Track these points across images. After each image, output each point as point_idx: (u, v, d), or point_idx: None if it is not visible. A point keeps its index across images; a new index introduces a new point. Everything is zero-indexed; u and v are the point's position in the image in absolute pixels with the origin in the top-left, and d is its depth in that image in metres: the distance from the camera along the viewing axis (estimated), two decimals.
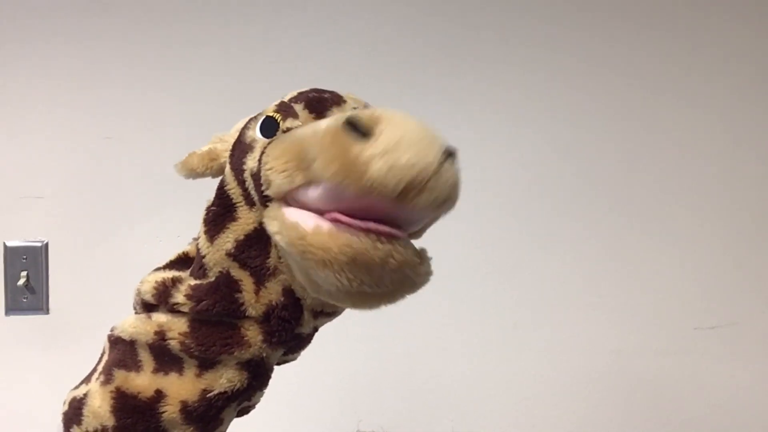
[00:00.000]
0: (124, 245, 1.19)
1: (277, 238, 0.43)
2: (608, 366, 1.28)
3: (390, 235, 0.39)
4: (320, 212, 0.40)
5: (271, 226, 0.43)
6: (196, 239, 0.56)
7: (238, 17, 1.23)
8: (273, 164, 0.42)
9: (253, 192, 0.46)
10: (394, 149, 0.37)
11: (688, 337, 1.29)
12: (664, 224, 1.30)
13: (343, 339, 1.19)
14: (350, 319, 1.30)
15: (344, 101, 0.48)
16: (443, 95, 1.26)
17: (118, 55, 1.21)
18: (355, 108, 0.48)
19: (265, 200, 0.44)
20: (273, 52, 1.23)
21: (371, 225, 0.38)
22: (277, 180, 0.42)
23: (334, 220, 0.39)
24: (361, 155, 0.37)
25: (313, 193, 0.40)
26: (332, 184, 0.38)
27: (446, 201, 0.39)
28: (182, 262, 0.54)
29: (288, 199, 0.42)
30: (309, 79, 1.22)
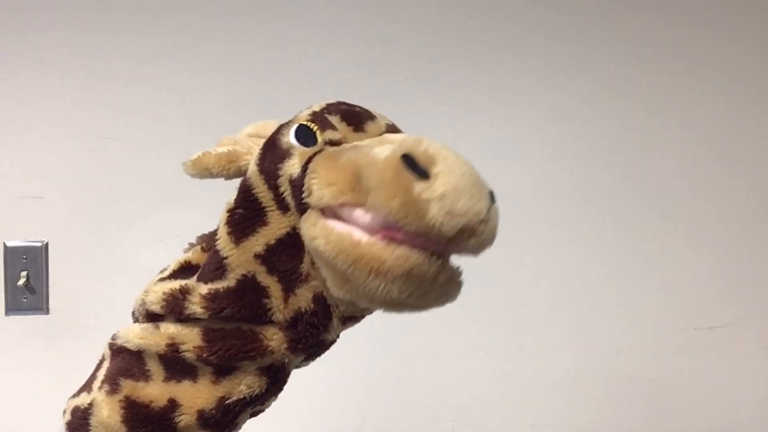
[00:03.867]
0: (124, 245, 1.19)
1: (316, 244, 0.43)
2: (608, 366, 1.28)
3: (441, 255, 0.41)
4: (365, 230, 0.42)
5: (311, 231, 0.43)
6: (193, 245, 0.55)
7: (239, 17, 1.23)
8: (322, 176, 0.43)
9: (288, 198, 0.46)
10: (451, 194, 0.39)
11: (688, 337, 1.29)
12: (663, 224, 1.30)
13: (344, 339, 1.19)
14: None
15: (374, 116, 0.50)
16: (444, 95, 1.26)
17: (119, 55, 1.21)
18: (387, 125, 0.50)
19: (303, 207, 0.45)
20: (273, 51, 1.23)
21: (424, 245, 0.40)
22: (322, 191, 0.43)
23: (387, 238, 0.41)
24: (420, 196, 0.39)
25: (363, 217, 0.41)
26: (392, 217, 0.39)
27: (488, 245, 0.42)
28: (185, 270, 0.53)
29: (326, 211, 0.43)
30: (309, 79, 1.23)
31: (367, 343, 1.24)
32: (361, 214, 0.41)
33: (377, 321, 1.28)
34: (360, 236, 0.41)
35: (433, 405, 1.26)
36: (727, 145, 1.31)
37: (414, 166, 0.40)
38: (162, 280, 0.52)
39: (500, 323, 1.27)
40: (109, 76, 1.21)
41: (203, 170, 0.52)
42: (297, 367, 0.53)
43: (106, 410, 0.48)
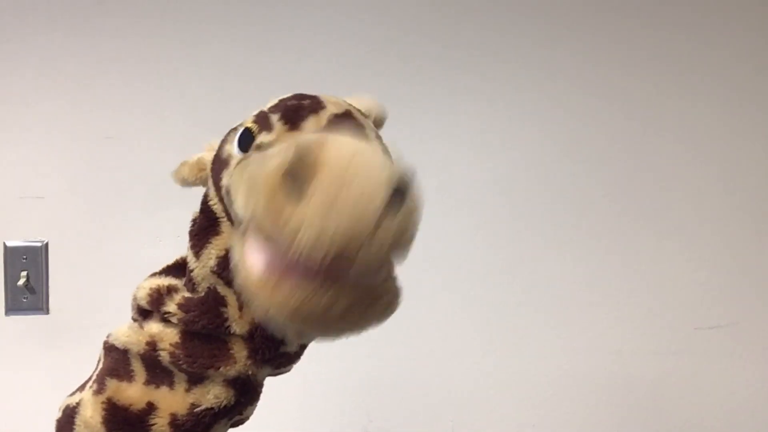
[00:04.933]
0: (124, 245, 1.19)
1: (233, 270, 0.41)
2: (608, 366, 1.28)
3: (337, 279, 0.36)
4: None
5: (234, 255, 0.41)
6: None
7: (239, 16, 1.23)
8: (235, 190, 0.41)
9: (229, 208, 0.46)
10: (324, 216, 0.34)
11: (688, 337, 1.29)
12: (664, 224, 1.30)
13: (344, 340, 1.19)
14: None
15: (323, 107, 0.46)
16: (444, 94, 1.26)
17: (119, 55, 1.21)
18: (335, 114, 0.46)
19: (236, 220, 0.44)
20: (274, 51, 1.23)
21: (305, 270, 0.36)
22: (236, 209, 0.41)
23: (277, 270, 0.37)
24: (291, 220, 0.34)
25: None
26: (267, 238, 0.36)
27: (393, 250, 0.37)
28: (180, 267, 0.53)
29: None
30: (310, 79, 1.23)
31: (367, 344, 1.24)
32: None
33: None
34: (256, 267, 0.37)
35: (433, 405, 1.26)
36: (727, 145, 1.31)
37: (295, 178, 0.35)
38: (154, 275, 0.53)
39: (500, 323, 1.27)
40: (109, 76, 1.21)
41: (182, 180, 0.53)
42: (276, 374, 0.53)
43: (90, 410, 0.49)
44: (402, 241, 0.37)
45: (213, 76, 1.22)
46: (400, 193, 0.35)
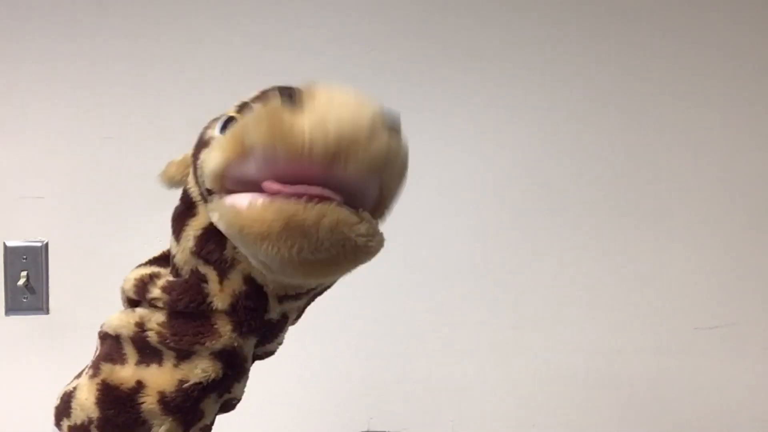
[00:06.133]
0: (124, 245, 1.19)
1: (219, 226, 0.43)
2: (608, 366, 1.29)
3: (321, 197, 0.39)
4: (257, 187, 0.41)
5: (213, 217, 0.44)
6: None
7: (239, 16, 1.23)
8: (208, 152, 0.44)
9: (202, 186, 0.47)
10: (324, 113, 0.38)
11: (688, 337, 1.29)
12: (664, 224, 1.30)
13: (344, 339, 1.19)
14: (351, 319, 1.31)
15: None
16: (443, 94, 1.26)
17: (118, 55, 1.21)
18: None
19: (209, 194, 0.45)
20: (274, 51, 1.23)
21: (300, 188, 0.39)
22: (209, 163, 0.43)
23: (266, 190, 0.39)
24: (291, 119, 0.38)
25: (249, 165, 0.41)
26: (265, 148, 0.39)
27: (381, 166, 0.40)
28: (165, 259, 0.54)
29: (227, 185, 0.43)
30: (309, 79, 1.23)
31: (367, 343, 1.24)
32: (247, 164, 0.40)
33: (378, 322, 1.29)
34: (241, 202, 0.40)
35: (433, 405, 1.27)
36: (727, 145, 1.31)
37: (290, 98, 0.39)
38: (139, 266, 0.54)
39: (500, 323, 1.27)
40: (109, 76, 1.21)
41: (170, 179, 0.55)
42: (264, 354, 0.54)
43: (85, 392, 0.49)
44: (393, 163, 0.40)
45: (213, 76, 1.22)
46: (390, 120, 0.39)
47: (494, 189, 1.27)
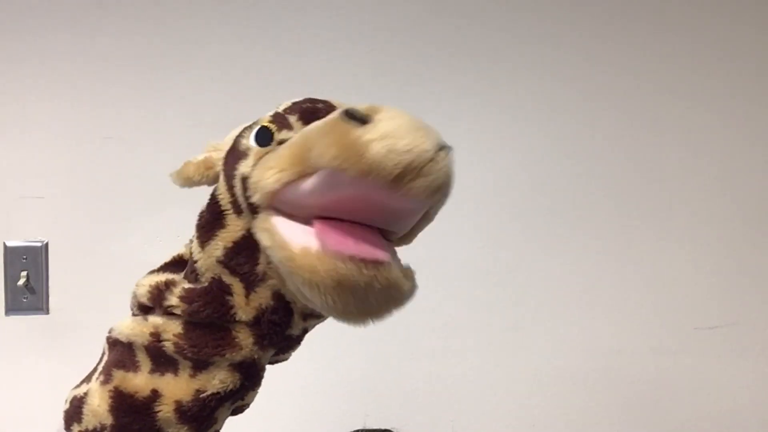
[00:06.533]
0: (124, 245, 1.19)
1: (268, 253, 0.44)
2: (608, 366, 1.29)
3: (375, 261, 0.39)
4: (311, 214, 0.41)
5: (263, 240, 0.44)
6: (192, 241, 0.56)
7: (239, 17, 1.23)
8: (260, 166, 0.44)
9: (241, 198, 0.46)
10: (392, 135, 0.38)
11: (688, 337, 1.29)
12: (664, 224, 1.30)
13: (344, 339, 1.19)
14: None
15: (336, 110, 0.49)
16: (444, 94, 1.26)
17: (118, 55, 1.21)
18: None
19: (253, 208, 0.45)
20: (274, 51, 1.23)
21: (356, 252, 0.39)
22: (264, 180, 0.43)
23: (321, 240, 0.40)
24: (360, 138, 0.38)
25: (306, 186, 0.41)
26: (330, 169, 0.39)
27: (440, 189, 0.40)
28: (177, 264, 0.54)
29: (276, 203, 0.43)
30: (309, 79, 1.23)
31: (367, 344, 1.24)
32: (305, 184, 0.41)
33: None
34: (295, 244, 0.41)
35: (433, 405, 1.27)
36: (727, 145, 1.31)
37: (354, 117, 0.39)
38: (152, 272, 0.53)
39: (500, 323, 1.27)
40: (109, 76, 1.21)
41: (186, 179, 0.54)
42: (275, 362, 0.54)
43: (97, 399, 0.49)
44: (447, 183, 0.40)
45: (213, 77, 1.22)
46: (444, 145, 0.40)
47: (494, 188, 1.27)
